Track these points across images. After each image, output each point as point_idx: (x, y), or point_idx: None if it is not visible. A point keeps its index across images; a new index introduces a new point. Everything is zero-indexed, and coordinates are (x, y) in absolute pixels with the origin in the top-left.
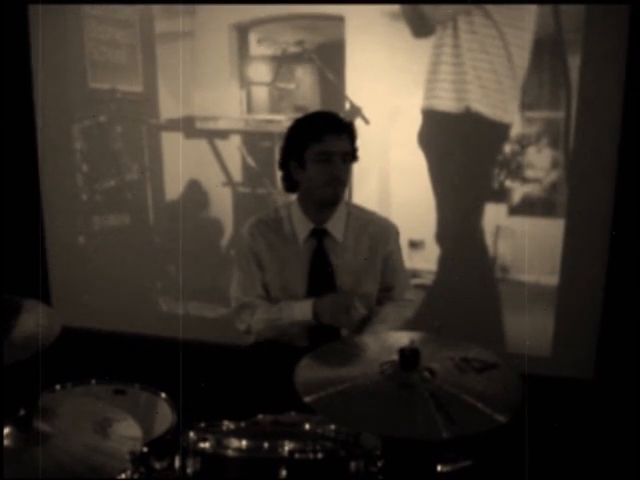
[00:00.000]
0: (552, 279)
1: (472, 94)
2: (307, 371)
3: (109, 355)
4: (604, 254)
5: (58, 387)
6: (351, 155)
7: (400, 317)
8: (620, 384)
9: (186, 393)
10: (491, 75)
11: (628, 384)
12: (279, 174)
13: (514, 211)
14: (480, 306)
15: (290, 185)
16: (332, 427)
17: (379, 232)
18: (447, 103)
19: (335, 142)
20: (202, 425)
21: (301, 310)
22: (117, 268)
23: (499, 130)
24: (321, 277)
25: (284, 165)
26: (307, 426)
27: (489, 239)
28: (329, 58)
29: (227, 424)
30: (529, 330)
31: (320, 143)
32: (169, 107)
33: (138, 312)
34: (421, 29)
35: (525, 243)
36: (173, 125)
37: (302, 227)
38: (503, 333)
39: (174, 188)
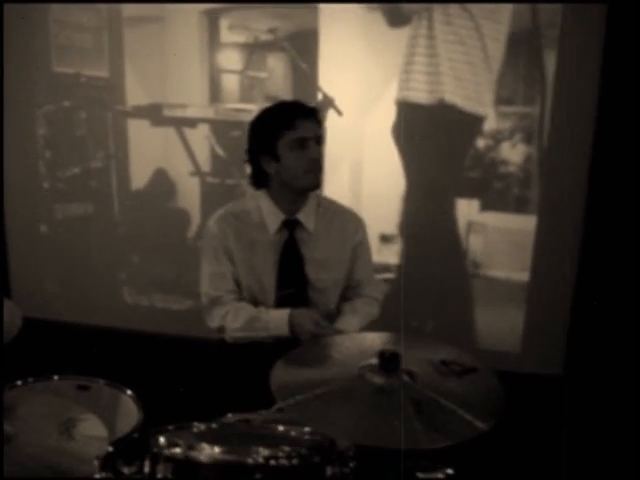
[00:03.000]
0: (523, 275)
1: (447, 85)
2: (282, 374)
3: (70, 348)
4: (575, 251)
5: (19, 383)
6: (321, 138)
7: (368, 313)
8: (590, 380)
9: (152, 389)
10: (466, 66)
11: (598, 380)
12: (246, 164)
13: (486, 206)
14: (450, 301)
15: (261, 180)
16: (306, 429)
17: (348, 222)
18: (421, 95)
19: (307, 126)
20: (171, 428)
21: (276, 323)
22: (80, 258)
23: (473, 122)
24: (291, 268)
25: (254, 161)
26: (280, 428)
27: (461, 234)
28: (302, 47)
29: (197, 426)
30: (499, 326)
31: (293, 130)
32: (136, 93)
33: (101, 304)
34: (396, 19)
35: (497, 239)
36: (140, 112)
37: (273, 218)
38: (473, 329)
39: (140, 177)
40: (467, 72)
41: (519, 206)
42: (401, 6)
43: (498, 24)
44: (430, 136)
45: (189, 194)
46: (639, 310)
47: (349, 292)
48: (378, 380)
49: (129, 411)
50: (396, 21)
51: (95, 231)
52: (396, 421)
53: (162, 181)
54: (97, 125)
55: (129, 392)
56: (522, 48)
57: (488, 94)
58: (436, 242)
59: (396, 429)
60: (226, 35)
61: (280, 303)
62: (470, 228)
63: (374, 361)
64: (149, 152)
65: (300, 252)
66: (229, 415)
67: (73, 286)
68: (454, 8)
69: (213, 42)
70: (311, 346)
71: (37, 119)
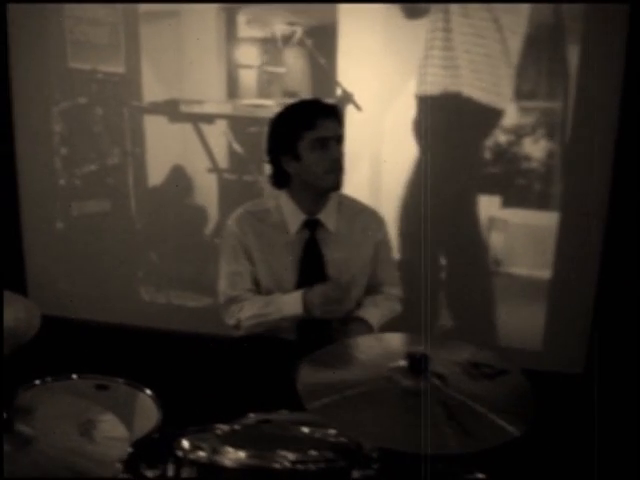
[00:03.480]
0: (545, 272)
1: (464, 79)
2: (309, 375)
3: (88, 345)
4: (598, 248)
5: (37, 382)
6: (342, 137)
7: (390, 308)
8: (612, 378)
9: (171, 388)
10: (484, 59)
11: (620, 378)
12: (267, 164)
13: (508, 203)
14: (472, 299)
15: (282, 180)
16: (330, 430)
17: (370, 222)
18: (439, 88)
19: (328, 126)
20: (194, 429)
21: (290, 304)
22: (97, 255)
23: (492, 116)
24: (312, 268)
25: (275, 160)
26: (304, 430)
27: (482, 231)
28: (321, 42)
29: (221, 428)
30: (521, 324)
31: (314, 130)
32: (152, 89)
33: (118, 301)
34: (413, 11)
35: (518, 235)
36: (157, 108)
37: (294, 218)
38: (495, 327)
39: (157, 173)
40: (485, 65)
41: (541, 202)
42: None
43: (517, 16)
44: (448, 130)
45: (206, 191)
46: None
47: (369, 290)
48: (407, 383)
49: (148, 410)
50: (413, 13)
51: (112, 228)
52: (426, 425)
53: (179, 178)
54: (113, 121)
55: (148, 391)
56: (544, 41)
57: (507, 87)
58: (457, 238)
59: (426, 433)
60: (244, 30)
61: None
62: (492, 225)
63: (402, 363)
64: (166, 149)
65: (321, 252)
66: (250, 415)
67: (89, 284)
68: None
69: (230, 37)
70: (337, 347)
71: (53, 116)
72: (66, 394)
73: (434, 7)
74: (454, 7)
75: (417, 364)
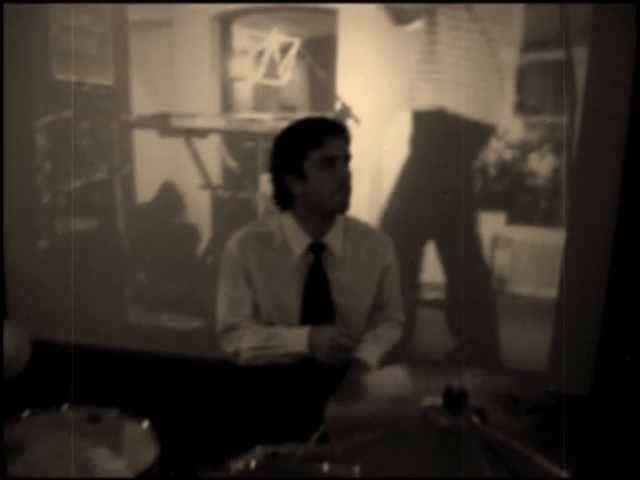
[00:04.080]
0: (550, 291)
1: (449, 93)
2: (337, 411)
3: (73, 370)
4: (605, 266)
5: (25, 414)
6: (349, 157)
7: (390, 339)
8: (617, 400)
9: (165, 416)
10: (473, 73)
11: (625, 399)
12: (262, 178)
13: (513, 220)
14: (475, 319)
15: (286, 200)
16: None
17: (377, 245)
18: (424, 103)
19: (337, 145)
20: (205, 471)
21: (295, 341)
22: (82, 275)
23: (481, 131)
24: (317, 294)
25: (279, 180)
26: (325, 467)
27: (486, 249)
28: (319, 54)
29: (235, 465)
30: (525, 344)
31: (321, 149)
32: (142, 102)
33: (105, 323)
34: (400, 17)
35: (523, 254)
36: (146, 122)
37: (298, 241)
38: (499, 347)
39: (146, 190)
40: (474, 79)
41: (547, 220)
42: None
43: (507, 27)
44: (437, 147)
45: (199, 208)
46: None
47: (374, 314)
48: (444, 421)
49: (146, 443)
50: (400, 19)
51: (98, 247)
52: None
53: (170, 194)
54: (101, 136)
55: (145, 422)
56: (548, 54)
57: (500, 102)
58: (457, 257)
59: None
60: (239, 41)
61: None
62: (496, 243)
63: (438, 399)
64: (156, 164)
65: (327, 277)
66: (258, 448)
67: (75, 305)
68: (459, 9)
69: (225, 48)
70: (364, 379)
71: (37, 130)
72: (57, 428)
73: (420, 14)
74: (441, 18)
75: (456, 401)
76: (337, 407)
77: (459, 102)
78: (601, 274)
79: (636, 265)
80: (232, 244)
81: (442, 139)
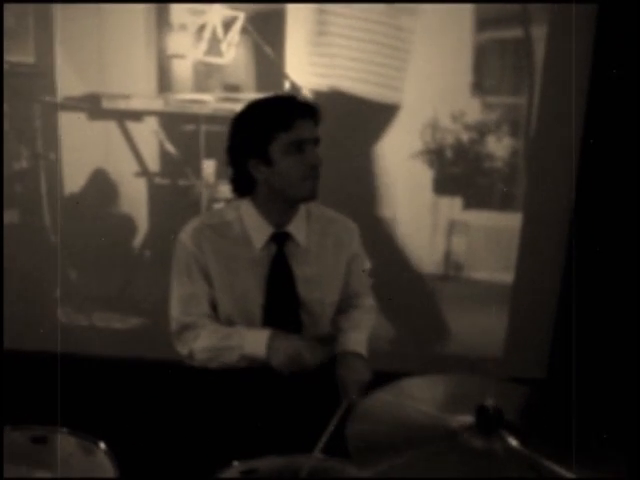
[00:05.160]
0: (507, 276)
1: (338, 69)
2: (360, 431)
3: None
4: (562, 250)
5: None
6: (319, 140)
7: (370, 325)
8: (573, 383)
9: (113, 427)
10: (369, 46)
11: (581, 383)
12: (205, 163)
13: (470, 204)
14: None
15: (246, 187)
16: None
17: (342, 232)
18: (314, 80)
19: (307, 127)
20: None
21: (253, 343)
22: (5, 275)
23: (376, 110)
24: (281, 288)
25: (239, 164)
26: None
27: (442, 235)
28: (266, 29)
29: None
30: (482, 330)
31: (290, 131)
32: (69, 82)
33: (32, 325)
34: None
35: (480, 239)
36: (74, 104)
37: (259, 231)
38: (455, 333)
39: (75, 179)
40: (367, 53)
41: (504, 203)
42: None
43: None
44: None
45: (134, 198)
46: (627, 309)
47: (343, 303)
48: (478, 443)
49: (101, 469)
50: None
51: (21, 243)
52: None
53: (102, 183)
54: (22, 119)
55: (100, 444)
56: (506, 32)
57: (400, 80)
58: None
59: None
60: (177, 14)
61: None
62: (452, 228)
63: (469, 418)
64: (85, 150)
65: (291, 269)
66: (235, 464)
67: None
68: None
69: (162, 22)
70: (384, 394)
71: None
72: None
73: None
74: None
75: (489, 422)
76: (359, 426)
77: (348, 79)
78: (558, 258)
79: (593, 248)
80: (185, 236)
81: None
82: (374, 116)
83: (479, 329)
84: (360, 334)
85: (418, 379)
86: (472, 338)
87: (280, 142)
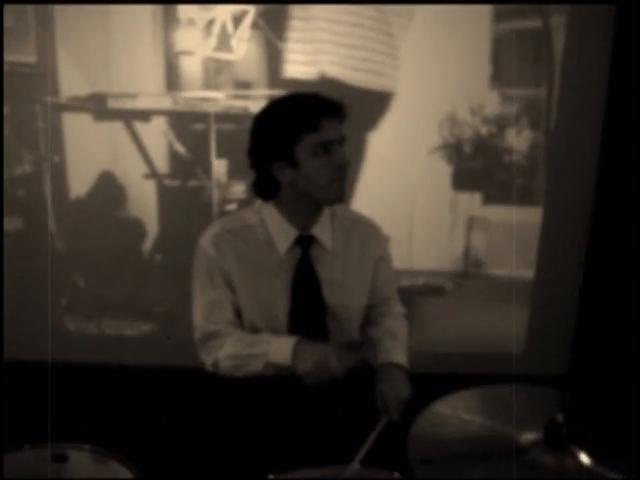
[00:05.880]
0: (527, 272)
1: (329, 56)
2: (422, 443)
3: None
4: (583, 245)
5: None
6: (345, 140)
7: (405, 332)
8: (595, 380)
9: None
10: (359, 31)
11: (603, 379)
12: (216, 163)
13: (489, 200)
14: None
15: (270, 190)
16: None
17: (368, 234)
18: (302, 69)
19: (333, 127)
20: None
21: (278, 350)
22: (9, 282)
23: (370, 98)
24: (306, 293)
25: (263, 167)
26: None
27: (461, 231)
28: (279, 23)
29: None
30: (502, 327)
31: (316, 132)
32: (73, 82)
33: (39, 334)
34: None
35: (500, 234)
36: (78, 104)
37: (283, 235)
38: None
39: (81, 183)
40: (358, 39)
41: (524, 198)
42: None
43: None
44: None
45: (143, 201)
46: None
47: (372, 312)
48: (547, 460)
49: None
50: None
51: (26, 250)
52: None
53: (109, 186)
54: (24, 122)
55: (124, 462)
56: (524, 23)
57: (394, 67)
58: None
59: None
60: (185, 9)
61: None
62: (472, 224)
63: (537, 434)
64: (91, 152)
65: (316, 274)
66: (270, 477)
67: (3, 316)
68: None
69: (169, 17)
70: (445, 407)
71: None
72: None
73: None
74: None
75: (560, 437)
76: (421, 438)
77: (339, 66)
78: (579, 253)
79: (614, 243)
80: (206, 242)
81: None
82: (370, 105)
83: (500, 326)
84: (398, 342)
85: (472, 391)
86: (493, 335)
87: (306, 143)
